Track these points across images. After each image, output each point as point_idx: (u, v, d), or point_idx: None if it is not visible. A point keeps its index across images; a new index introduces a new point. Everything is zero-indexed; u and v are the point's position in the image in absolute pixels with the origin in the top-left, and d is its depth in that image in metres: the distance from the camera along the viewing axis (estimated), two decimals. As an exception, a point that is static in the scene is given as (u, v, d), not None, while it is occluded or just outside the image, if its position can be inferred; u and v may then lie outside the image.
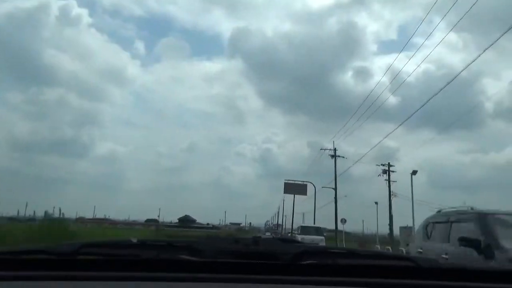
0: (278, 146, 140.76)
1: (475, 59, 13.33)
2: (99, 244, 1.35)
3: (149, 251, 1.23)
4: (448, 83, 15.52)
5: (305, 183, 40.80)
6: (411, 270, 1.14)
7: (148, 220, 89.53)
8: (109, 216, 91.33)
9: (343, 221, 32.02)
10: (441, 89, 15.89)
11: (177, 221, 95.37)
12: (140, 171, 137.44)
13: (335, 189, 33.58)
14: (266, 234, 65.00)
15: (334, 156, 34.24)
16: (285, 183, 41.02)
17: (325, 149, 34.90)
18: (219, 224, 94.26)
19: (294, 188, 41.43)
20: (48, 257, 1.16)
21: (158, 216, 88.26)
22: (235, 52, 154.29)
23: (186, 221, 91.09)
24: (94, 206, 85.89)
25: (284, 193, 42.15)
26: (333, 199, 34.22)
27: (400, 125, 20.31)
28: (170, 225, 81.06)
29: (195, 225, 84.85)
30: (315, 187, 37.95)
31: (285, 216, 79.16)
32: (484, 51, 12.86)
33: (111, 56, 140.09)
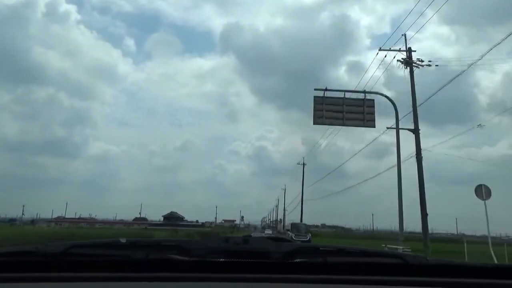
0: (273, 143, 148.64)
1: (476, 61, 13.40)
2: (87, 244, 1.43)
3: (139, 251, 1.31)
4: (450, 81, 15.80)
5: (367, 97, 18.16)
6: (400, 267, 1.24)
7: (136, 219, 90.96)
8: (95, 216, 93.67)
9: (484, 192, 13.95)
10: (441, 88, 16.10)
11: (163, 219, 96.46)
12: (132, 170, 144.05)
13: (416, 130, 17.10)
14: (266, 232, 58.49)
15: (408, 60, 17.44)
16: (315, 98, 17.95)
17: (388, 50, 18.27)
18: (214, 221, 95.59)
19: (343, 110, 18.04)
20: (36, 258, 1.22)
21: (140, 213, 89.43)
22: (227, 48, 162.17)
23: (172, 219, 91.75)
24: (66, 203, 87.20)
25: (314, 123, 18.12)
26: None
27: (401, 119, 20.23)
28: (155, 224, 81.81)
29: (183, 223, 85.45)
30: (395, 106, 17.88)
31: (285, 210, 74.63)
32: (487, 52, 12.98)
33: (101, 54, 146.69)
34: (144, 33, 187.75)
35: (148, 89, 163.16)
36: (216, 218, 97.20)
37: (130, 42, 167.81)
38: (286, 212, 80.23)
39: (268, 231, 59.49)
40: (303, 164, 47.59)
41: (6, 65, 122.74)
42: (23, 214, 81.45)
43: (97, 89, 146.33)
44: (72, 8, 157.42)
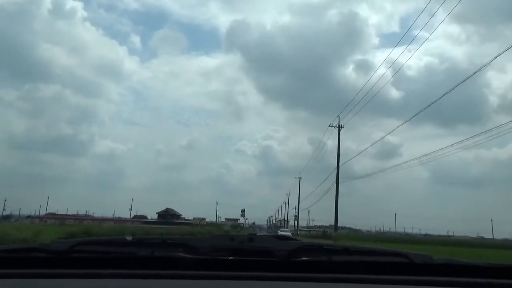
0: (279, 143, 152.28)
1: (490, 62, 13.10)
2: (94, 242, 1.53)
3: (144, 249, 1.40)
4: (458, 84, 15.84)
5: None
6: (405, 266, 1.33)
7: (135, 216, 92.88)
8: (93, 213, 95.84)
9: None
10: (451, 89, 16.23)
11: (157, 216, 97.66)
12: (137, 169, 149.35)
13: None
14: (281, 231, 45.71)
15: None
16: None
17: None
18: (217, 219, 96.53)
19: None
20: (42, 255, 1.32)
21: (130, 210, 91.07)
22: (233, 46, 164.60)
23: (167, 216, 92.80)
24: (48, 197, 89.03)
25: None
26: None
27: (407, 121, 20.62)
28: (149, 221, 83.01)
29: (179, 221, 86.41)
30: None
31: (295, 208, 70.05)
32: (498, 56, 12.63)
33: (108, 51, 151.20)
34: (150, 31, 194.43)
35: (154, 87, 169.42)
36: (217, 216, 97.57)
37: (136, 40, 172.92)
38: (295, 211, 72.90)
39: (285, 231, 44.60)
40: (339, 127, 37.57)
41: (13, 62, 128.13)
42: (4, 209, 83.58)
43: (103, 87, 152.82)
44: (78, 5, 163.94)
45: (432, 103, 18.79)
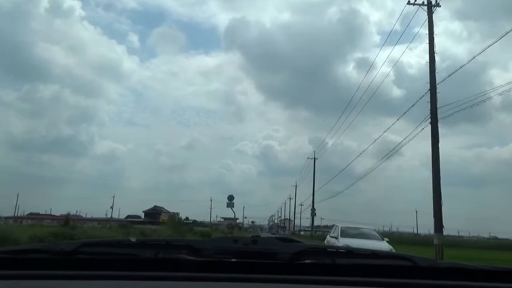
0: (279, 143, 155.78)
1: (482, 51, 12.84)
2: (98, 243, 1.58)
3: (149, 250, 1.45)
4: (450, 74, 15.78)
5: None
6: (409, 269, 1.39)
7: (128, 216, 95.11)
8: (86, 214, 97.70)
9: None
10: (444, 80, 16.34)
11: (144, 214, 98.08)
12: (137, 169, 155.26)
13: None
14: (360, 239, 15.28)
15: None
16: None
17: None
18: (216, 219, 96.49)
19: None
20: (48, 256, 1.36)
21: (111, 207, 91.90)
22: (233, 45, 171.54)
23: (154, 214, 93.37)
24: (18, 194, 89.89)
25: None
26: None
27: (401, 116, 21.17)
28: (134, 220, 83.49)
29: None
30: None
31: (302, 205, 64.96)
32: (492, 44, 12.22)
33: (106, 51, 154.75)
34: (149, 30, 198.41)
35: (153, 86, 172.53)
36: (211, 214, 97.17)
37: (134, 39, 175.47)
38: (303, 208, 65.42)
39: (371, 236, 16.30)
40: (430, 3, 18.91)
41: (11, 62, 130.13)
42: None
43: (102, 87, 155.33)
44: (76, 4, 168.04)
45: (423, 95, 19.12)
